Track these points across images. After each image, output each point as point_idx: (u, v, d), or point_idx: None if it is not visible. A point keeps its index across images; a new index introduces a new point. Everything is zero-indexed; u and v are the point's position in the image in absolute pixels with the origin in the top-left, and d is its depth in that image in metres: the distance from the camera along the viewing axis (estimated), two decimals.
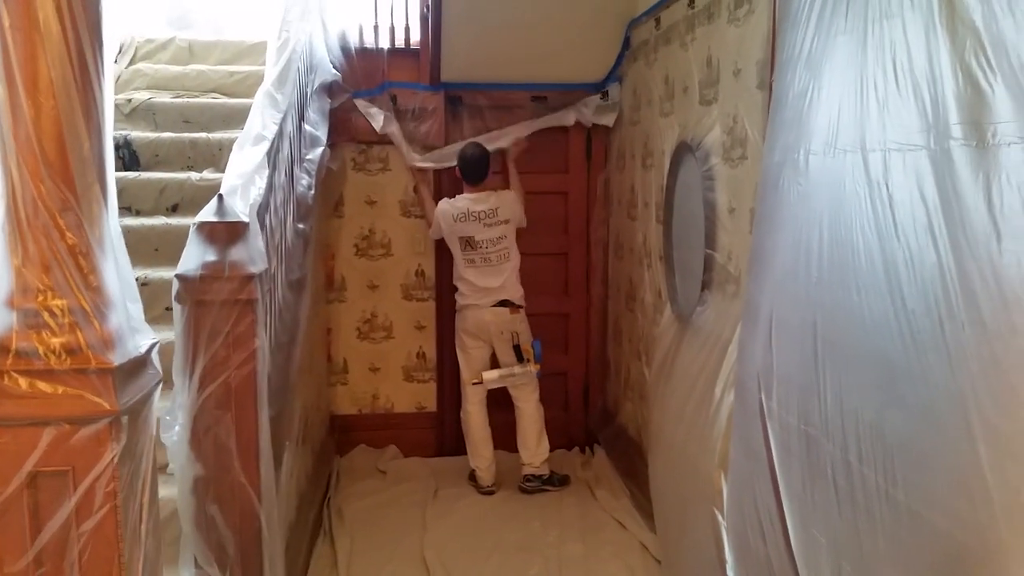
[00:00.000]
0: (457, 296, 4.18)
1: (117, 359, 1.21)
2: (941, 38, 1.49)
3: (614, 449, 4.41)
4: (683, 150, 3.22)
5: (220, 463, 2.17)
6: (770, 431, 2.03)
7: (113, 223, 1.27)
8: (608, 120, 4.46)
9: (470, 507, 3.98)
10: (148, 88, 4.07)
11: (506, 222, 4.08)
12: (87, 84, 1.20)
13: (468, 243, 4.07)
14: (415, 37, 4.39)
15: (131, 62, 4.21)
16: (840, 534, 1.71)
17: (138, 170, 3.64)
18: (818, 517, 1.80)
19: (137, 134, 3.74)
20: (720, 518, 2.46)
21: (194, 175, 3.55)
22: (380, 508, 3.93)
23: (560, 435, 4.56)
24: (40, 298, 1.17)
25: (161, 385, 1.37)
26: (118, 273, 1.25)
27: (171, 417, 2.13)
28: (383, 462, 4.46)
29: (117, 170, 3.59)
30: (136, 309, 1.34)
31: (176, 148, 3.72)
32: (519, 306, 4.12)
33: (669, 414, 3.08)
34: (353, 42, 4.25)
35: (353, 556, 3.44)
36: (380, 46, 4.36)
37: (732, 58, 2.81)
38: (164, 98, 4.01)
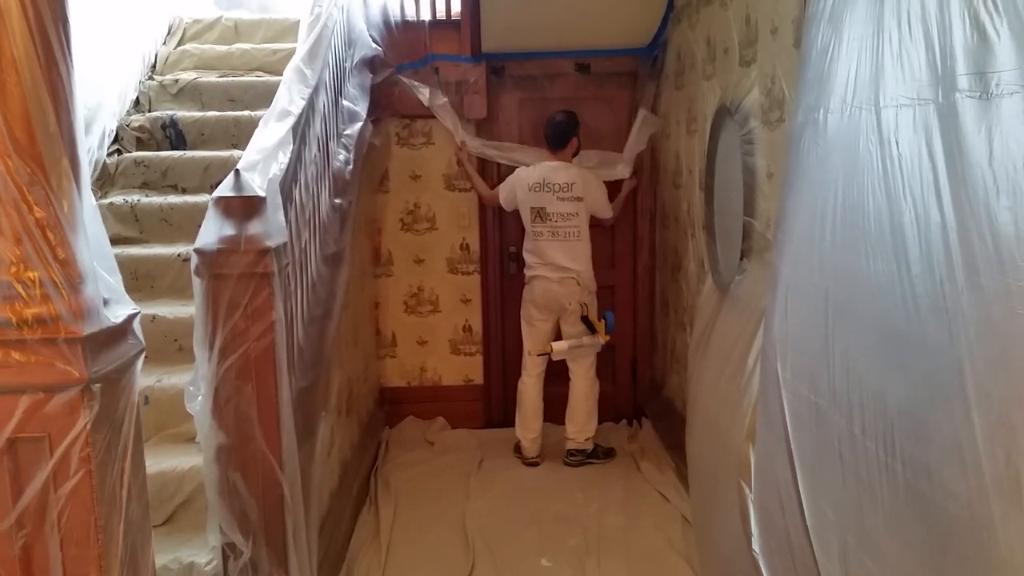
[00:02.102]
0: (525, 268, 4.12)
1: (87, 329, 1.25)
2: None
3: (661, 422, 4.36)
4: (723, 114, 3.12)
5: (242, 432, 2.22)
6: (785, 402, 1.96)
7: (86, 197, 1.30)
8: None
9: (514, 478, 4.00)
10: (195, 68, 4.16)
11: (579, 199, 3.98)
12: (51, 62, 1.22)
13: (539, 214, 4.01)
14: (456, 8, 4.35)
15: (179, 43, 4.30)
16: (845, 508, 1.64)
17: (184, 149, 3.73)
18: (827, 491, 1.73)
19: (183, 114, 3.83)
20: (747, 490, 2.40)
21: (237, 153, 3.60)
22: (425, 478, 3.98)
23: (608, 408, 4.51)
24: (13, 270, 1.21)
25: (143, 354, 1.41)
26: (90, 246, 1.29)
27: (194, 388, 2.20)
28: (431, 433, 4.51)
29: (164, 149, 3.70)
30: (114, 280, 1.38)
31: (221, 127, 3.79)
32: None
33: (705, 385, 3.01)
34: (394, 15, 4.22)
35: (396, 524, 3.50)
36: (421, 18, 4.34)
37: (769, 16, 2.71)
38: (210, 78, 4.08)
